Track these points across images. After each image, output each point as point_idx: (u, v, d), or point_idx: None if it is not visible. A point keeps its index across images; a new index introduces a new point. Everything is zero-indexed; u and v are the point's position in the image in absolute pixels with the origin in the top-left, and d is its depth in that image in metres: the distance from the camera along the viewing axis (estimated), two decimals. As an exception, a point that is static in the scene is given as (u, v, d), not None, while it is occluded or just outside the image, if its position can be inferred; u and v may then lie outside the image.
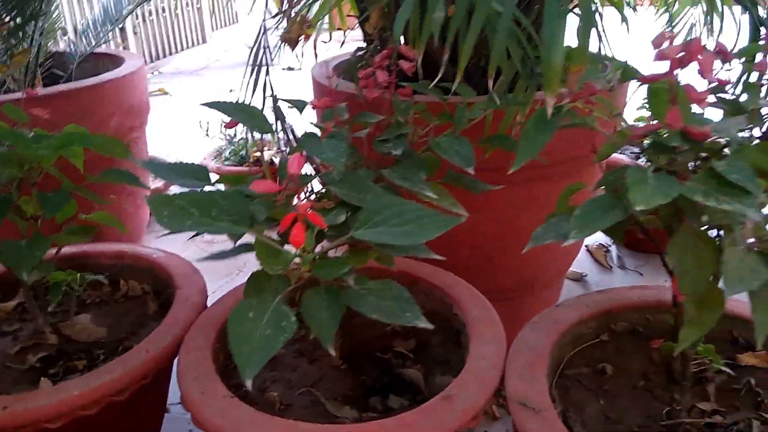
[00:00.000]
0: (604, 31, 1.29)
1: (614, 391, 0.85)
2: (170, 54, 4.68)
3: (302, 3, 0.98)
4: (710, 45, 0.70)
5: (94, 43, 1.72)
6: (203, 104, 0.71)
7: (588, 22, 0.58)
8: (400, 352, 0.96)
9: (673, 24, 1.87)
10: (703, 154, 0.62)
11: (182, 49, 4.84)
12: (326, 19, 1.51)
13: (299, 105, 0.76)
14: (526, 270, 1.23)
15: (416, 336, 0.99)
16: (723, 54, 0.59)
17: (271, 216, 0.62)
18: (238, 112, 0.71)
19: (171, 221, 0.57)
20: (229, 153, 2.05)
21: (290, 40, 0.97)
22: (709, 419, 0.82)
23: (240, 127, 1.01)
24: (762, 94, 0.72)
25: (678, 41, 1.57)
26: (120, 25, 1.71)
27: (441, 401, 0.76)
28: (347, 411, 0.83)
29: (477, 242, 1.16)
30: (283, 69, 3.91)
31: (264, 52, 1.31)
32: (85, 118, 1.31)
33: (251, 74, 1.29)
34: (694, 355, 0.80)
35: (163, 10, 4.53)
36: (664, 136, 0.58)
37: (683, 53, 0.51)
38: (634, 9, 1.39)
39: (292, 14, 0.95)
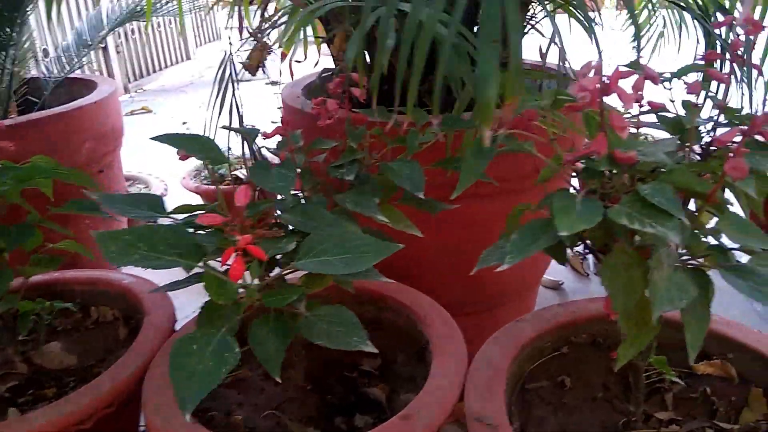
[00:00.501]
0: (559, 44, 1.31)
1: (573, 404, 0.87)
2: (154, 72, 4.70)
3: (266, 27, 1.00)
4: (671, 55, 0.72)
5: (68, 68, 1.74)
6: (152, 138, 0.73)
7: (517, 55, 0.60)
8: (366, 370, 0.97)
9: (640, 35, 1.90)
10: (639, 176, 0.64)
11: (167, 67, 4.86)
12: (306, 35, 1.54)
13: (251, 133, 0.78)
14: (494, 283, 1.25)
15: (383, 354, 1.00)
16: (651, 78, 0.61)
17: (220, 247, 0.64)
18: (189, 144, 0.72)
19: (118, 257, 0.58)
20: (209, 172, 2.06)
21: (250, 67, 0.98)
22: (665, 429, 0.83)
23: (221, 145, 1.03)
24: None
25: (648, 50, 1.58)
26: (94, 49, 1.72)
27: (399, 421, 0.77)
28: (311, 432, 0.85)
29: (443, 259, 1.18)
30: (267, 83, 3.92)
31: (231, 73, 1.33)
32: (56, 147, 1.32)
33: (217, 95, 1.31)
34: (646, 366, 0.82)
35: (146, 28, 4.55)
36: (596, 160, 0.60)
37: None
38: (594, 22, 1.41)
39: (257, 38, 0.97)
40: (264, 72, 1.43)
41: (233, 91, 1.38)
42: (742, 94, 1.17)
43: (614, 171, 0.60)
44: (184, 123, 3.47)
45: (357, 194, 0.77)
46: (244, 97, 1.55)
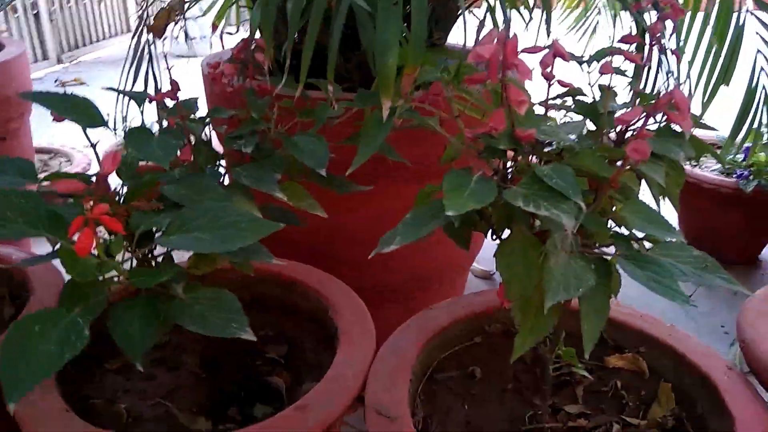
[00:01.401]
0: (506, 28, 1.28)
1: (482, 395, 0.84)
2: (91, 43, 4.48)
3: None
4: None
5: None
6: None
7: (418, 23, 0.55)
8: (272, 357, 0.92)
9: (578, 26, 1.89)
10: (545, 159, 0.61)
11: (104, 38, 4.64)
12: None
13: (138, 98, 0.71)
14: (415, 265, 1.20)
15: (290, 341, 0.95)
16: (560, 55, 0.57)
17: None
18: (62, 105, 0.65)
19: (-45, 224, 0.51)
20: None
21: (156, 28, 0.91)
22: (573, 423, 0.81)
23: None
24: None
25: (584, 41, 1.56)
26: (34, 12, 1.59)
27: (294, 411, 0.72)
28: (201, 423, 0.79)
29: (363, 241, 1.13)
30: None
31: (147, 44, 1.24)
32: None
33: (130, 66, 1.22)
34: (555, 358, 0.79)
35: (84, -4, 4.33)
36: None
37: (500, 54, 0.48)
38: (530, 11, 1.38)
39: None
40: (187, 42, 1.34)
41: (150, 60, 1.29)
42: (666, 79, 1.15)
43: (517, 150, 0.56)
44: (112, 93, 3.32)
45: (255, 168, 0.71)
46: (187, 72, 1.46)
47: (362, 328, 0.87)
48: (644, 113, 0.51)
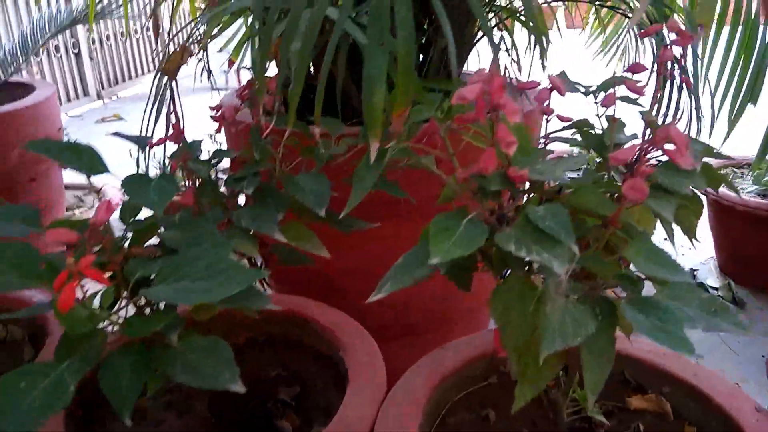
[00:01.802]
0: (513, 54, 1.26)
1: (497, 440, 0.81)
2: (130, 78, 4.63)
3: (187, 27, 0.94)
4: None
5: (10, 71, 1.67)
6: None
7: (405, 57, 0.54)
8: (282, 399, 0.90)
9: (607, 48, 1.86)
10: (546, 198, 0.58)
11: (143, 74, 4.79)
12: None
13: (140, 143, 0.71)
14: (432, 305, 1.18)
15: (301, 381, 0.93)
16: (557, 89, 0.56)
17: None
18: (65, 154, 0.66)
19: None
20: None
21: (169, 71, 0.92)
22: (593, 468, 0.77)
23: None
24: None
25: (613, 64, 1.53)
26: (37, 53, 1.66)
27: (299, 458, 0.71)
28: (209, 468, 0.78)
29: (372, 275, 1.11)
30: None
31: (168, 82, 1.27)
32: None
33: (152, 106, 1.25)
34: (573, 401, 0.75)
35: (122, 34, 4.48)
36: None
37: (484, 94, 0.47)
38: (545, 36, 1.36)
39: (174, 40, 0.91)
40: (210, 80, 1.37)
41: (172, 99, 1.32)
42: (691, 104, 1.12)
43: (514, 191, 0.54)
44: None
45: (256, 209, 0.71)
46: (200, 108, 1.48)
47: (372, 369, 0.85)
48: (640, 150, 0.48)
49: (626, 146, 0.47)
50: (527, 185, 0.59)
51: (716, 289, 1.68)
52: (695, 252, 1.91)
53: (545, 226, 0.48)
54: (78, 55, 4.09)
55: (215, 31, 1.27)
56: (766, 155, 1.34)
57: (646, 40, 1.75)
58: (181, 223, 0.66)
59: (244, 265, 0.54)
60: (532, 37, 1.30)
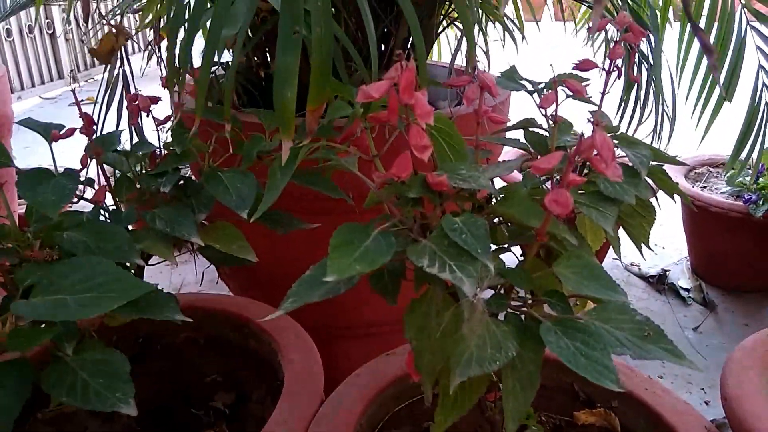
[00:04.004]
0: (485, 49, 1.21)
1: (437, 455, 0.76)
2: (108, 61, 4.51)
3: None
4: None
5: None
6: None
7: (320, 51, 0.49)
8: (216, 408, 0.86)
9: (588, 41, 1.81)
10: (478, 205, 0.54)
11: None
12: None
13: (46, 130, 0.66)
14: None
15: (239, 388, 0.89)
16: (487, 88, 0.51)
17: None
18: (-42, 145, 0.60)
19: None
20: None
21: (100, 54, 0.86)
22: (536, 487, 0.73)
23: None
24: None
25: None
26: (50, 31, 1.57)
27: (217, 476, 0.66)
28: (128, 482, 0.73)
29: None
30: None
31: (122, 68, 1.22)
32: None
33: (106, 90, 1.19)
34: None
35: (100, 15, 4.37)
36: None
37: (390, 91, 0.42)
38: (522, 32, 1.32)
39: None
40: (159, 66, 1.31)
41: (124, 85, 1.26)
42: (658, 113, 1.07)
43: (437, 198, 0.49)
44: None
45: (173, 209, 0.66)
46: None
47: (308, 377, 0.80)
48: (564, 159, 0.43)
49: (551, 154, 0.42)
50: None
51: (687, 290, 1.65)
52: (668, 251, 1.88)
53: (461, 239, 0.43)
54: (53, 36, 3.98)
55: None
56: (738, 157, 1.30)
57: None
58: (88, 224, 0.61)
59: (130, 276, 0.49)
60: (507, 31, 1.25)
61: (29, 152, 2.86)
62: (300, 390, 0.78)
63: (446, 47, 1.37)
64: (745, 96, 1.25)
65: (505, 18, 1.28)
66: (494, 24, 1.29)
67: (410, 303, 0.48)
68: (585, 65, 0.61)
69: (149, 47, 1.31)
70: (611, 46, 0.59)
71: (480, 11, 1.27)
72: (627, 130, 1.14)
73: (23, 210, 1.54)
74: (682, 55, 1.33)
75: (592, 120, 0.62)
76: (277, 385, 0.87)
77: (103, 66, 1.08)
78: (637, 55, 1.02)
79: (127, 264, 0.60)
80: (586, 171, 0.65)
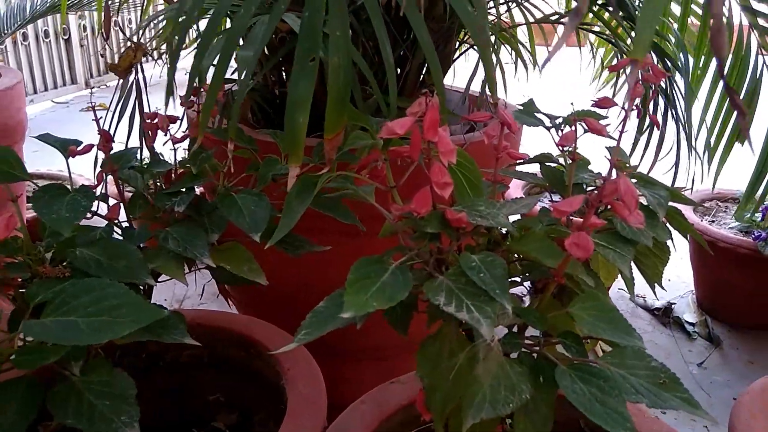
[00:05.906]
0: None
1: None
2: (120, 68, 4.55)
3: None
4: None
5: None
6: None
7: (338, 80, 0.49)
8: (217, 428, 0.85)
9: (600, 73, 1.81)
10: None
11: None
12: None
13: (63, 146, 0.66)
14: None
15: (243, 409, 0.88)
16: (507, 124, 0.50)
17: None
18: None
19: None
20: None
21: (118, 70, 0.87)
22: None
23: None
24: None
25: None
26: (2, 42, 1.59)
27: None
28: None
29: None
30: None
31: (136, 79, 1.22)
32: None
33: (118, 102, 1.19)
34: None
35: (115, 23, 4.40)
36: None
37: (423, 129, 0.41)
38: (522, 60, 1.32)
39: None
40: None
41: (139, 96, 1.27)
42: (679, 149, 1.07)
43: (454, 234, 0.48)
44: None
45: (186, 229, 0.65)
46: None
47: (312, 402, 0.79)
48: (587, 203, 0.43)
49: (573, 196, 0.42)
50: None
51: (692, 324, 1.64)
52: (674, 284, 1.87)
53: (479, 278, 0.43)
54: (68, 42, 4.02)
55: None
56: (754, 193, 1.30)
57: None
58: (101, 241, 0.61)
59: (141, 300, 0.49)
60: (527, 58, 1.25)
61: (38, 156, 2.87)
62: (303, 414, 0.77)
63: (460, 67, 1.36)
64: (758, 132, 1.25)
65: (519, 45, 1.28)
66: (509, 51, 1.29)
67: (423, 340, 0.48)
68: (604, 103, 0.61)
69: (162, 57, 1.31)
70: (631, 87, 0.59)
71: (494, 37, 1.28)
72: (639, 163, 1.14)
73: (31, 213, 1.53)
74: (695, 89, 1.33)
75: (610, 159, 0.62)
76: (280, 408, 0.86)
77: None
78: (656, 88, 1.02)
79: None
80: (601, 209, 0.65)
